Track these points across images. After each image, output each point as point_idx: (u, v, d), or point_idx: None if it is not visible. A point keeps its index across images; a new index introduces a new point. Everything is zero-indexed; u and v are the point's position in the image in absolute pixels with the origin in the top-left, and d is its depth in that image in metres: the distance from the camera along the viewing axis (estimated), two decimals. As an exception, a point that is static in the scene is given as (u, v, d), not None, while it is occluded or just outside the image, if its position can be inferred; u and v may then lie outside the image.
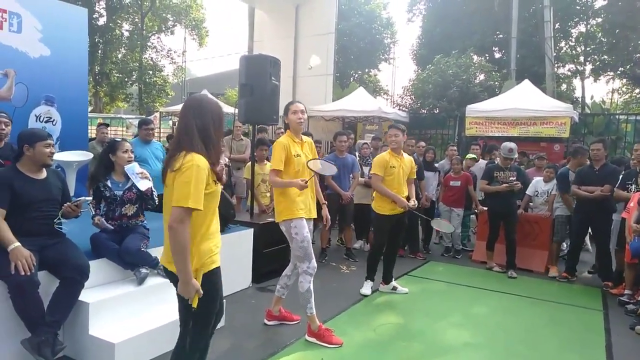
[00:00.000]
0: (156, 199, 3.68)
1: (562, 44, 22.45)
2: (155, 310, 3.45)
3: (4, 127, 3.86)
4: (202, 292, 2.17)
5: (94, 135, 7.79)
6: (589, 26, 22.18)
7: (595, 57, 22.23)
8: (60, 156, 5.16)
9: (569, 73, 23.07)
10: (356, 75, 24.36)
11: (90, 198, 3.38)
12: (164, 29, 25.84)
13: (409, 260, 6.42)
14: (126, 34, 24.56)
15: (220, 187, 2.33)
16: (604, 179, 5.40)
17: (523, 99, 10.92)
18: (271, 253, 5.18)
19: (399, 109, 15.32)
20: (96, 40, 21.83)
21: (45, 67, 5.40)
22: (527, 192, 6.38)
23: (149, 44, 25.05)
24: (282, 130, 8.43)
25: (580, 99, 20.72)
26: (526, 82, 11.98)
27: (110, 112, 24.63)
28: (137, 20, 24.43)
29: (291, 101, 3.87)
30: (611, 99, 24.02)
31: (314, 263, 3.67)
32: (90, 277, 3.13)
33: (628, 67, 20.74)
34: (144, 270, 3.50)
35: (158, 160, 5.58)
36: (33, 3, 5.26)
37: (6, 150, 3.73)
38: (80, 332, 3.10)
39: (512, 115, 10.65)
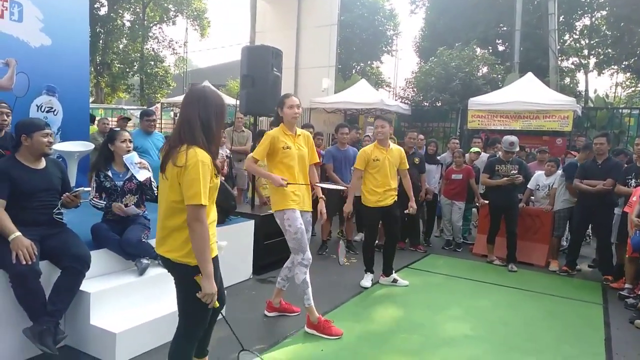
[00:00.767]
0: (155, 189, 3.67)
1: (566, 36, 22.27)
2: (156, 301, 3.46)
3: (5, 117, 3.85)
4: (216, 290, 2.20)
5: (95, 127, 7.77)
6: (593, 19, 22.00)
7: (600, 50, 22.07)
8: (62, 146, 5.16)
9: (573, 66, 22.90)
10: (358, 68, 24.24)
11: (89, 188, 3.37)
12: (165, 19, 25.66)
13: (409, 253, 6.43)
14: (127, 24, 24.40)
15: (219, 180, 2.34)
16: (607, 173, 5.39)
17: (526, 92, 10.87)
18: (272, 245, 5.19)
19: (402, 102, 15.26)
20: (97, 30, 21.72)
21: (46, 57, 5.38)
22: (528, 186, 6.37)
23: (150, 34, 24.91)
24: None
25: (583, 93, 20.61)
26: (529, 75, 11.92)
27: (111, 102, 24.56)
28: (138, 10, 24.27)
29: (286, 94, 3.84)
30: (615, 92, 23.91)
31: (308, 254, 3.67)
32: (91, 268, 3.14)
33: (632, 60, 20.58)
34: (145, 261, 3.50)
35: (159, 152, 5.57)
36: (34, -8, 5.23)
37: (6, 140, 3.73)
38: (81, 322, 3.12)
39: (514, 109, 10.61)
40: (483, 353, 3.52)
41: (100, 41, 22.33)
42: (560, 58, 19.43)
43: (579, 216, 5.73)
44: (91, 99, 21.82)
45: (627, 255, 4.99)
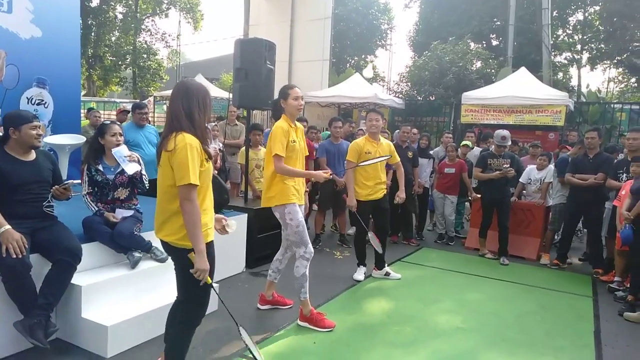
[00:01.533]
0: (146, 182, 3.65)
1: (560, 31, 22.37)
2: (149, 294, 3.46)
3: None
4: (208, 267, 2.32)
5: (85, 120, 7.71)
6: (586, 14, 22.09)
7: (592, 45, 22.19)
8: (53, 139, 5.12)
9: (566, 61, 23.03)
10: (352, 62, 24.20)
11: (79, 181, 3.35)
12: (158, 11, 25.46)
13: (402, 247, 6.46)
14: (120, 16, 24.17)
15: (211, 165, 2.45)
16: (598, 167, 5.43)
17: (519, 87, 10.91)
18: (265, 238, 5.19)
19: (395, 96, 15.27)
20: (89, 22, 21.50)
21: (36, 49, 5.31)
22: (520, 180, 6.40)
23: (143, 26, 24.70)
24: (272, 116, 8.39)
25: (576, 88, 20.73)
26: (522, 70, 11.96)
27: (104, 96, 24.37)
28: (130, 2, 24.04)
29: (289, 85, 3.77)
30: (607, 88, 24.06)
31: (310, 248, 3.67)
32: (82, 261, 3.12)
33: (624, 56, 20.72)
34: (137, 254, 3.50)
35: (152, 145, 5.54)
36: (23, -17, 5.16)
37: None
38: (73, 315, 3.11)
39: (507, 103, 10.65)
40: (474, 345, 3.55)
41: (92, 33, 22.11)
42: (553, 53, 19.53)
43: (570, 210, 5.77)
44: (83, 92, 21.64)
45: (616, 249, 5.05)
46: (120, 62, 24.03)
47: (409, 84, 16.52)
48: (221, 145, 6.54)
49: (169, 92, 18.50)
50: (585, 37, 22.23)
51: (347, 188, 4.79)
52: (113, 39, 23.94)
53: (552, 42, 17.72)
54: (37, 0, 5.28)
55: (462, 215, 7.61)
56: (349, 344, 3.45)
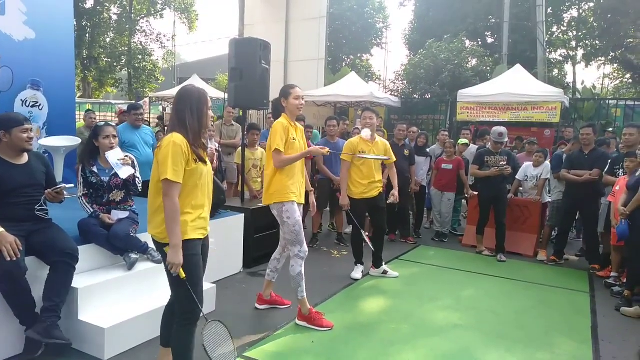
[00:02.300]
0: (139, 185, 3.60)
1: (554, 28, 22.42)
2: (146, 295, 3.45)
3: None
4: (181, 261, 2.37)
5: (82, 122, 7.68)
6: (581, 11, 22.14)
7: (587, 42, 22.25)
8: (48, 141, 5.10)
9: (561, 58, 23.08)
10: (348, 60, 24.20)
11: (71, 185, 3.34)
12: (152, 12, 25.39)
13: (399, 245, 6.47)
14: (114, 17, 24.11)
15: (203, 167, 2.48)
16: (593, 163, 5.45)
17: (514, 84, 10.92)
18: (262, 238, 5.18)
19: (391, 94, 15.27)
20: (84, 23, 21.43)
21: (30, 50, 5.29)
22: (517, 177, 6.41)
23: (137, 27, 24.64)
24: (272, 116, 8.38)
25: (571, 85, 20.78)
26: (518, 67, 11.97)
27: (99, 97, 24.30)
28: (125, 3, 23.97)
29: (291, 85, 3.76)
30: (602, 84, 24.12)
31: (305, 247, 3.67)
32: (79, 263, 3.11)
33: (619, 52, 20.78)
34: (133, 256, 3.48)
35: (147, 146, 5.53)
36: (16, -16, 5.13)
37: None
38: (69, 318, 3.08)
39: (503, 100, 10.65)
40: (472, 342, 3.55)
41: (87, 35, 22.03)
42: (548, 50, 19.57)
43: (566, 206, 5.79)
44: (78, 94, 21.58)
45: (612, 244, 5.07)
46: (115, 64, 23.97)
47: (405, 82, 16.50)
48: (217, 145, 6.53)
49: (164, 93, 18.48)
50: (579, 33, 22.28)
51: (341, 187, 4.79)
52: (108, 40, 23.88)
53: (547, 39, 17.76)
54: (30, 2, 5.26)
55: (459, 213, 7.63)
56: (347, 342, 3.45)
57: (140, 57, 24.23)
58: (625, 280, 4.75)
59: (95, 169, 3.52)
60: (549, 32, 20.79)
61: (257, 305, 4.00)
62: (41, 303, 2.88)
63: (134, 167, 3.57)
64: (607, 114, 12.71)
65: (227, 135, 7.09)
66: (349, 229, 6.99)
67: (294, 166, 3.62)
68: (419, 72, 15.09)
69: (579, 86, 19.10)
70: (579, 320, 4.11)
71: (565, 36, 22.84)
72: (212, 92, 18.32)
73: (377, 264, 5.07)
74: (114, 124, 3.76)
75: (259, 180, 5.96)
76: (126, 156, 3.55)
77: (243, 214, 4.99)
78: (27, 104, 5.25)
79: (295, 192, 3.64)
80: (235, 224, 4.88)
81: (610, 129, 10.29)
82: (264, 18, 14.43)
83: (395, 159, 5.08)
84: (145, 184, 3.91)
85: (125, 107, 9.54)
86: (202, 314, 2.53)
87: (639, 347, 3.55)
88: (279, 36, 13.59)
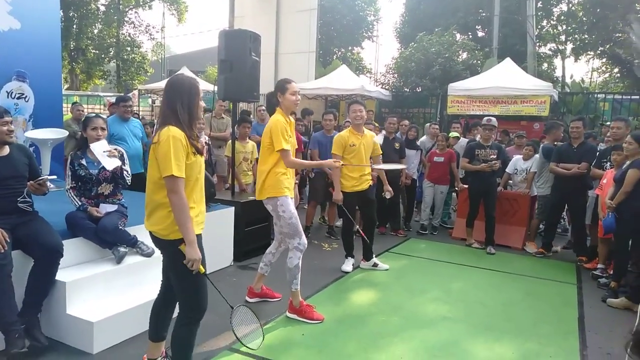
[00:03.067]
0: (127, 178, 3.56)
1: (544, 22, 22.52)
2: (134, 289, 3.42)
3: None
4: (200, 256, 2.34)
5: (69, 114, 7.58)
6: (570, 5, 22.26)
7: (576, 36, 22.38)
8: (35, 134, 5.02)
9: (550, 52, 23.21)
10: (339, 53, 24.11)
11: (54, 176, 3.28)
12: (141, 3, 25.03)
13: (390, 238, 6.49)
14: (102, 8, 23.71)
15: (200, 159, 2.44)
16: (582, 157, 5.49)
17: (504, 78, 10.98)
18: (253, 231, 5.17)
19: (382, 88, 15.27)
20: (71, 14, 21.06)
21: (15, 41, 5.20)
22: (506, 170, 6.46)
23: (126, 19, 24.27)
24: (264, 107, 8.34)
25: (560, 78, 20.92)
26: (508, 61, 12.03)
27: (87, 89, 23.97)
28: (113, -7, 23.60)
29: (287, 79, 3.70)
30: (590, 78, 24.32)
31: (304, 239, 3.67)
32: (67, 256, 3.08)
33: (607, 46, 20.94)
34: (122, 249, 3.45)
35: (137, 138, 5.48)
36: (0, -27, 5.03)
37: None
38: (57, 312, 3.06)
39: (493, 94, 10.71)
40: (461, 333, 3.58)
41: (74, 26, 21.65)
42: (538, 44, 19.66)
43: (554, 199, 5.84)
44: (66, 86, 21.28)
45: (599, 237, 5.13)
46: (103, 55, 23.61)
47: (396, 75, 16.51)
48: (207, 138, 6.48)
49: (153, 85, 18.29)
50: (569, 28, 22.40)
51: (334, 182, 4.79)
52: (95, 31, 23.48)
53: (536, 33, 17.83)
54: (15, -8, 5.16)
55: (449, 206, 7.67)
56: (337, 334, 3.46)
57: (128, 49, 23.89)
58: (611, 272, 4.82)
59: (84, 162, 3.47)
60: (539, 26, 20.88)
61: (247, 298, 3.99)
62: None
63: (122, 160, 3.53)
64: (596, 108, 12.84)
65: (217, 128, 7.04)
66: (339, 222, 7.01)
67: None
68: (409, 66, 15.10)
69: (568, 80, 19.24)
70: (566, 311, 4.16)
71: (554, 30, 22.96)
72: (202, 85, 18.14)
73: (367, 256, 5.09)
74: (104, 117, 3.71)
75: (250, 173, 5.94)
76: (115, 149, 3.51)
77: (233, 207, 4.97)
78: (13, 96, 5.16)
79: (289, 187, 3.64)
80: (225, 217, 4.86)
81: (608, 123, 10.39)
82: (254, 10, 14.32)
83: (382, 152, 5.08)
84: (135, 177, 3.88)
85: (113, 100, 9.42)
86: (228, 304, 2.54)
87: (624, 337, 3.60)
88: (270, 28, 13.50)
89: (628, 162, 4.49)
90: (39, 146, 4.95)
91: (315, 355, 3.15)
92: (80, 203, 3.46)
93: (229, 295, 4.05)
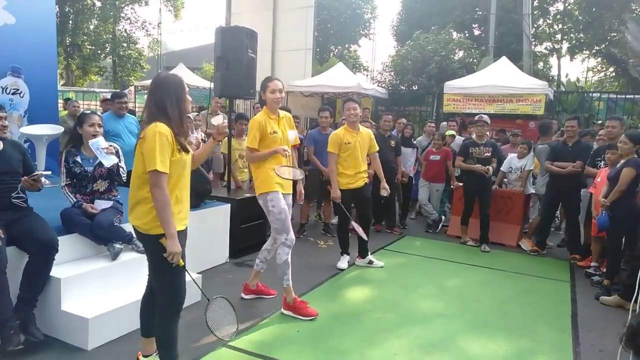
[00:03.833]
0: (123, 175, 3.54)
1: (540, 21, 22.58)
2: (130, 286, 3.41)
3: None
4: (180, 250, 2.37)
5: (63, 110, 7.55)
6: (566, 4, 22.32)
7: (572, 35, 22.46)
8: (30, 129, 4.99)
9: (546, 51, 23.28)
10: (336, 51, 24.08)
11: (49, 172, 3.27)
12: (137, -1, 24.91)
13: (385, 235, 6.51)
14: (98, 3, 23.58)
15: (186, 157, 2.47)
16: (577, 155, 5.52)
17: (500, 76, 11.00)
18: (249, 228, 5.18)
19: (379, 85, 15.27)
20: (66, 9, 20.96)
21: (10, 37, 5.17)
22: (501, 169, 6.48)
23: (122, 14, 24.17)
24: (260, 105, 8.33)
25: (555, 77, 20.99)
26: (503, 59, 12.06)
27: (83, 85, 23.84)
28: (109, -11, 23.47)
29: (269, 77, 3.79)
30: (586, 77, 24.40)
31: (291, 235, 3.69)
32: (62, 253, 3.08)
33: (603, 46, 21.02)
34: (117, 246, 3.44)
35: (132, 135, 5.46)
36: (-5, -33, 5.00)
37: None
38: (52, 308, 3.06)
39: (489, 92, 10.74)
40: (456, 330, 3.61)
41: (70, 21, 21.56)
42: (533, 43, 19.70)
43: (549, 197, 5.87)
44: (62, 82, 21.17)
45: (593, 235, 5.16)
46: (99, 51, 23.51)
47: (392, 73, 16.52)
48: (203, 135, 6.47)
49: (150, 82, 18.33)
50: (565, 27, 22.47)
51: (331, 180, 4.80)
52: (91, 27, 23.38)
53: (532, 32, 17.89)
54: (9, -14, 5.13)
55: (444, 204, 7.69)
56: (332, 331, 3.47)
57: (125, 45, 23.81)
58: (604, 270, 4.85)
59: (78, 159, 3.46)
60: (535, 25, 20.94)
61: (243, 295, 4.00)
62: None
63: (118, 156, 3.52)
64: (591, 107, 12.89)
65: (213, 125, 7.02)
66: (335, 220, 7.02)
67: (279, 157, 3.63)
68: (406, 64, 15.11)
69: (564, 79, 19.31)
70: (560, 308, 4.20)
71: (550, 29, 23.02)
72: (198, 81, 18.12)
73: (362, 254, 5.10)
74: (100, 114, 3.70)
75: (246, 170, 5.94)
76: (110, 145, 3.50)
77: (229, 204, 4.97)
78: (8, 91, 5.14)
79: (281, 182, 3.65)
80: (221, 214, 4.86)
81: (600, 122, 10.44)
82: (251, 7, 14.25)
83: (378, 149, 5.09)
84: (130, 174, 3.86)
85: (109, 96, 9.38)
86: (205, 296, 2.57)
87: (617, 334, 3.63)
88: (266, 25, 13.43)
89: (622, 161, 4.52)
90: (34, 142, 4.92)
91: (311, 352, 3.16)
92: (75, 200, 3.45)
93: (224, 292, 4.05)
